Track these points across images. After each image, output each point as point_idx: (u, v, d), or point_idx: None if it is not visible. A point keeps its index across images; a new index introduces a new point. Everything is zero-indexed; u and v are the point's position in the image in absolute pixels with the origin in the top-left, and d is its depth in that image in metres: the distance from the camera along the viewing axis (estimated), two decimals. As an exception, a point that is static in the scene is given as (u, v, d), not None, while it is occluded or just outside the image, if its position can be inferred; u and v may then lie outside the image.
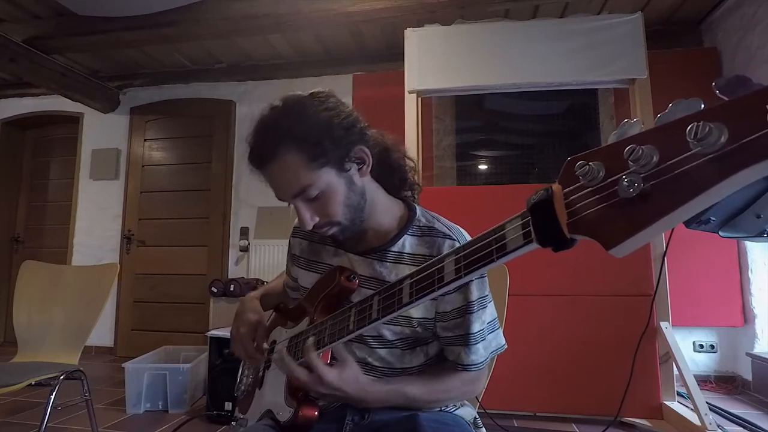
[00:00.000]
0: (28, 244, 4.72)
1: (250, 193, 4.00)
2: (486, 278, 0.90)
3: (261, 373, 1.03)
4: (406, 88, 2.75)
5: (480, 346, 0.87)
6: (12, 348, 2.38)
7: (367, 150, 0.87)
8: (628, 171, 0.40)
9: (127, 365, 2.61)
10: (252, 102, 4.14)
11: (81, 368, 1.89)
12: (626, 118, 0.46)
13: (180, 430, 2.31)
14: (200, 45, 3.77)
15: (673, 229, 1.93)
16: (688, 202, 0.36)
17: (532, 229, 0.50)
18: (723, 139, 0.34)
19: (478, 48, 2.71)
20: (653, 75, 2.54)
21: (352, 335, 0.76)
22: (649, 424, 2.32)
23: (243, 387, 1.10)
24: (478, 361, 0.87)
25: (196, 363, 2.75)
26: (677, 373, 2.26)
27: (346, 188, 0.85)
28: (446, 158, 3.70)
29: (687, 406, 2.27)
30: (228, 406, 2.44)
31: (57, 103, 4.47)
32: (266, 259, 3.81)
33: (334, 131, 0.82)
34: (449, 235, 0.90)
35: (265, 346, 1.02)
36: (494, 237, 0.56)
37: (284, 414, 0.85)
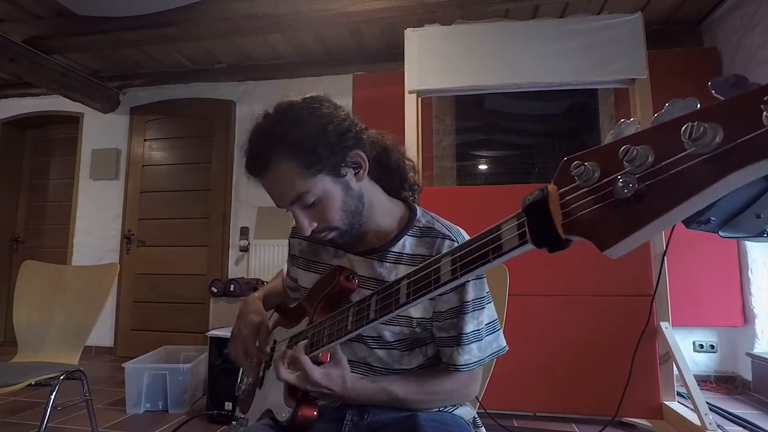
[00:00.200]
0: (28, 244, 4.72)
1: (250, 193, 4.00)
2: (484, 279, 0.90)
3: (261, 373, 1.03)
4: (406, 88, 2.75)
5: (474, 346, 0.87)
6: (12, 348, 2.38)
7: (363, 154, 0.87)
8: (623, 171, 0.40)
9: (127, 365, 2.61)
10: (252, 102, 4.14)
11: (81, 368, 1.89)
12: (626, 118, 0.46)
13: (180, 430, 2.31)
14: (200, 45, 3.77)
15: (672, 229, 1.93)
16: (683, 203, 0.36)
17: (527, 230, 0.50)
18: (718, 139, 0.34)
19: (478, 48, 2.71)
20: (653, 75, 2.54)
21: (351, 335, 0.77)
22: (649, 424, 2.31)
23: (243, 387, 1.10)
24: (471, 361, 0.87)
25: (196, 363, 2.75)
26: (677, 373, 2.26)
27: (343, 193, 0.85)
28: (446, 158, 3.70)
29: (687, 406, 2.27)
30: (228, 406, 2.44)
31: (57, 103, 4.47)
32: (266, 259, 3.81)
33: (328, 137, 0.82)
34: (448, 236, 0.90)
35: (268, 350, 1.03)
36: (490, 237, 0.56)
37: (284, 414, 0.85)
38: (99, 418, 2.13)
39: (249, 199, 4.02)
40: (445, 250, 0.85)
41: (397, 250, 0.90)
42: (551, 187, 0.48)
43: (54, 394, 1.72)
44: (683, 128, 0.36)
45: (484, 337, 0.88)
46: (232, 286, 3.55)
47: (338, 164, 0.83)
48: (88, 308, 2.08)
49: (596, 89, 3.45)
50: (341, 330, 0.78)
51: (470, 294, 0.86)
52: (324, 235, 0.87)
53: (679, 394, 2.38)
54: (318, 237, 0.88)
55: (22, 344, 2.08)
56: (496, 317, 0.92)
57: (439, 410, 0.90)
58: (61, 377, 1.76)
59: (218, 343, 2.55)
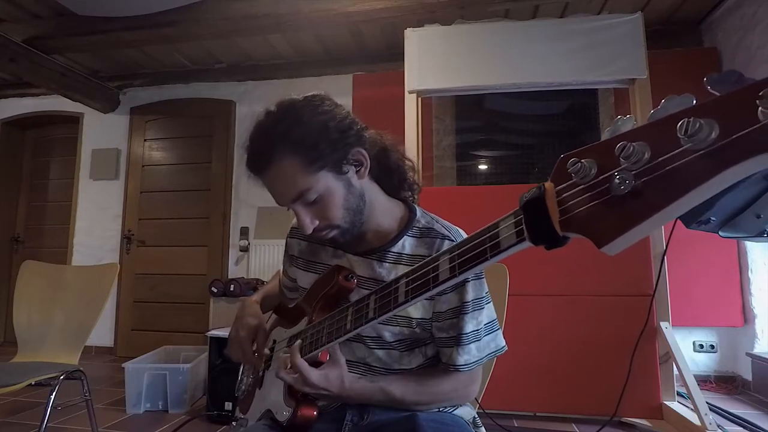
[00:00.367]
0: (28, 244, 4.72)
1: (250, 193, 4.00)
2: (483, 279, 0.89)
3: (261, 373, 1.03)
4: (406, 88, 2.75)
5: (473, 346, 0.87)
6: (12, 348, 2.38)
7: (364, 152, 0.87)
8: (620, 168, 0.40)
9: (127, 365, 2.61)
10: (252, 102, 4.14)
11: (81, 368, 1.89)
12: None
13: (180, 431, 2.31)
14: (200, 45, 3.77)
15: (672, 229, 1.93)
16: (680, 199, 0.36)
17: (524, 227, 0.50)
18: (714, 134, 0.34)
19: (478, 48, 2.71)
20: (653, 75, 2.54)
21: (350, 335, 0.76)
22: (649, 424, 2.31)
23: (243, 387, 1.10)
24: (470, 361, 0.87)
25: (196, 363, 2.75)
26: (677, 373, 2.26)
27: (345, 191, 0.85)
28: (446, 158, 3.70)
29: (687, 406, 2.27)
30: (228, 406, 2.44)
31: (57, 103, 4.47)
32: (266, 259, 3.81)
33: (330, 134, 0.82)
34: (448, 236, 0.90)
35: (266, 351, 1.03)
36: (488, 235, 0.56)
37: (284, 414, 0.85)
38: (99, 418, 2.13)
39: (249, 199, 4.02)
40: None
41: (396, 251, 0.90)
42: (548, 184, 0.48)
43: (54, 394, 1.72)
44: (679, 124, 0.36)
45: (483, 337, 0.88)
46: (232, 286, 3.55)
47: (340, 161, 0.83)
48: (88, 308, 2.08)
49: (596, 89, 3.45)
50: (340, 329, 0.78)
51: (470, 294, 0.86)
52: (325, 233, 0.87)
53: (679, 394, 2.37)
54: (319, 236, 0.88)
55: (22, 344, 2.08)
56: (495, 317, 0.92)
57: (439, 410, 0.90)
58: (61, 377, 1.76)
59: (218, 343, 2.55)
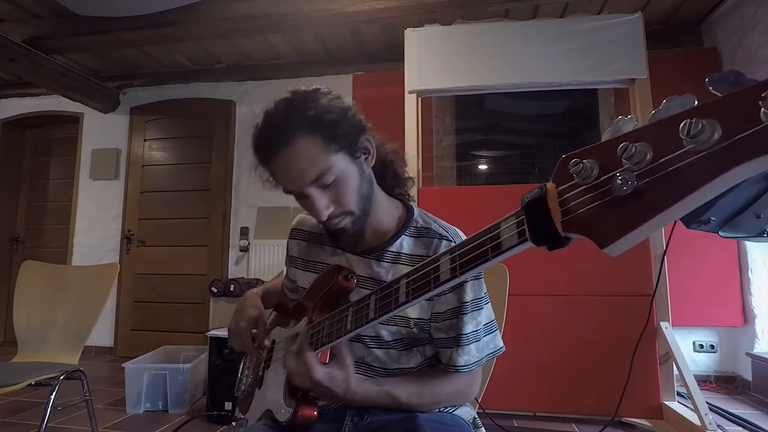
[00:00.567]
0: (28, 244, 4.72)
1: (250, 193, 4.00)
2: (482, 279, 0.90)
3: (261, 373, 1.03)
4: (406, 88, 2.75)
5: (472, 347, 0.87)
6: (12, 348, 2.38)
7: (371, 140, 0.89)
8: (622, 169, 0.40)
9: (127, 365, 2.61)
10: (252, 102, 4.14)
11: (81, 368, 1.89)
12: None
13: (180, 431, 2.31)
14: (200, 45, 3.77)
15: (673, 229, 1.93)
16: (682, 200, 0.36)
17: (526, 228, 0.50)
18: (716, 135, 0.34)
19: (478, 48, 2.71)
20: (653, 75, 2.54)
21: (350, 335, 0.76)
22: (649, 424, 2.31)
23: (243, 387, 1.10)
24: (470, 362, 0.87)
25: (196, 363, 2.75)
26: (677, 373, 2.26)
27: (359, 176, 0.86)
28: (446, 158, 3.70)
29: (687, 406, 2.27)
30: (228, 406, 2.44)
31: (57, 103, 4.47)
32: (266, 259, 3.81)
33: (346, 117, 0.83)
34: (446, 236, 0.90)
35: (267, 342, 1.02)
36: (489, 236, 0.56)
37: (283, 414, 0.85)
38: (99, 418, 2.13)
39: (249, 199, 4.02)
40: (442, 251, 0.86)
41: (394, 250, 0.90)
42: (550, 185, 0.48)
43: (54, 394, 1.72)
44: (681, 125, 0.36)
45: (482, 337, 0.88)
46: (232, 286, 3.55)
47: (354, 145, 0.84)
48: (88, 308, 2.08)
49: (596, 89, 3.44)
50: (341, 329, 0.78)
51: (468, 295, 0.86)
52: (338, 220, 0.85)
53: (679, 394, 2.37)
54: (332, 223, 0.86)
55: (22, 344, 2.08)
56: (494, 318, 0.92)
57: (439, 410, 0.90)
58: (61, 377, 1.76)
59: (218, 343, 2.55)
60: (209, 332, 2.60)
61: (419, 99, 2.80)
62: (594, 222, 0.42)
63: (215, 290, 3.61)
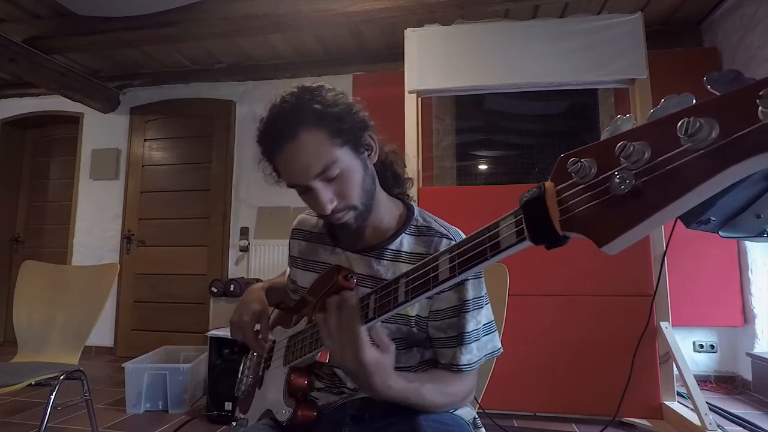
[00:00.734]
0: (28, 244, 4.72)
1: (250, 193, 4.00)
2: (482, 279, 0.89)
3: (261, 373, 1.03)
4: (406, 88, 2.75)
5: (474, 345, 0.86)
6: (12, 348, 2.38)
7: (374, 136, 0.89)
8: (620, 168, 0.40)
9: (127, 365, 2.61)
10: (252, 102, 4.14)
11: (81, 368, 1.89)
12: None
13: (180, 431, 2.31)
14: (200, 45, 3.77)
15: (672, 229, 1.93)
16: (680, 199, 0.36)
17: (524, 227, 0.50)
18: (714, 134, 0.34)
19: (478, 48, 2.71)
20: (653, 75, 2.54)
21: None
22: (649, 424, 2.31)
23: (243, 387, 1.10)
24: (473, 361, 0.86)
25: (196, 363, 2.75)
26: (677, 373, 2.26)
27: (363, 171, 0.86)
28: (446, 158, 3.70)
29: (687, 406, 2.27)
30: (228, 406, 2.44)
31: (57, 103, 4.47)
32: (266, 259, 3.80)
33: (352, 112, 0.85)
34: (446, 235, 0.90)
35: (270, 336, 1.02)
36: (488, 235, 0.56)
37: (284, 414, 0.85)
38: (99, 418, 2.13)
39: (249, 199, 4.01)
40: (442, 249, 0.85)
41: (394, 248, 0.91)
42: (548, 183, 0.48)
43: (54, 394, 1.72)
44: (679, 124, 0.36)
45: (482, 337, 0.88)
46: (232, 286, 3.55)
47: (359, 140, 0.85)
48: (88, 308, 2.08)
49: (596, 89, 3.44)
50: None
51: (470, 293, 0.86)
52: (342, 214, 0.86)
53: (679, 394, 2.37)
54: (335, 218, 0.86)
55: (22, 344, 2.08)
56: (493, 318, 0.92)
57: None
58: (61, 377, 1.76)
59: (218, 343, 2.55)
60: (209, 332, 2.60)
61: (419, 99, 2.80)
62: (592, 221, 0.42)
63: (215, 290, 3.61)
